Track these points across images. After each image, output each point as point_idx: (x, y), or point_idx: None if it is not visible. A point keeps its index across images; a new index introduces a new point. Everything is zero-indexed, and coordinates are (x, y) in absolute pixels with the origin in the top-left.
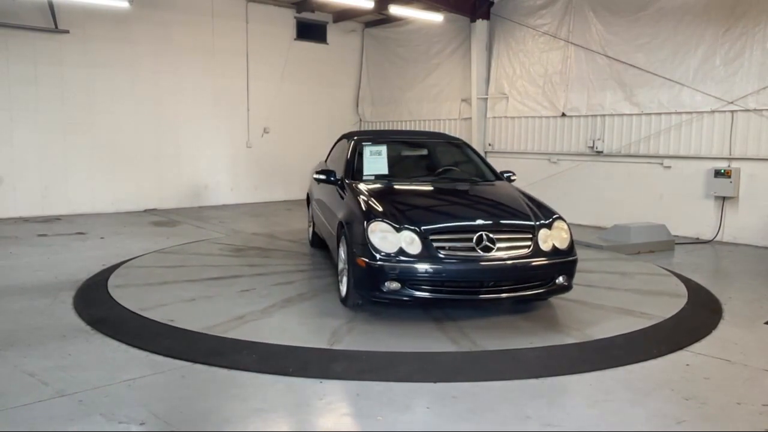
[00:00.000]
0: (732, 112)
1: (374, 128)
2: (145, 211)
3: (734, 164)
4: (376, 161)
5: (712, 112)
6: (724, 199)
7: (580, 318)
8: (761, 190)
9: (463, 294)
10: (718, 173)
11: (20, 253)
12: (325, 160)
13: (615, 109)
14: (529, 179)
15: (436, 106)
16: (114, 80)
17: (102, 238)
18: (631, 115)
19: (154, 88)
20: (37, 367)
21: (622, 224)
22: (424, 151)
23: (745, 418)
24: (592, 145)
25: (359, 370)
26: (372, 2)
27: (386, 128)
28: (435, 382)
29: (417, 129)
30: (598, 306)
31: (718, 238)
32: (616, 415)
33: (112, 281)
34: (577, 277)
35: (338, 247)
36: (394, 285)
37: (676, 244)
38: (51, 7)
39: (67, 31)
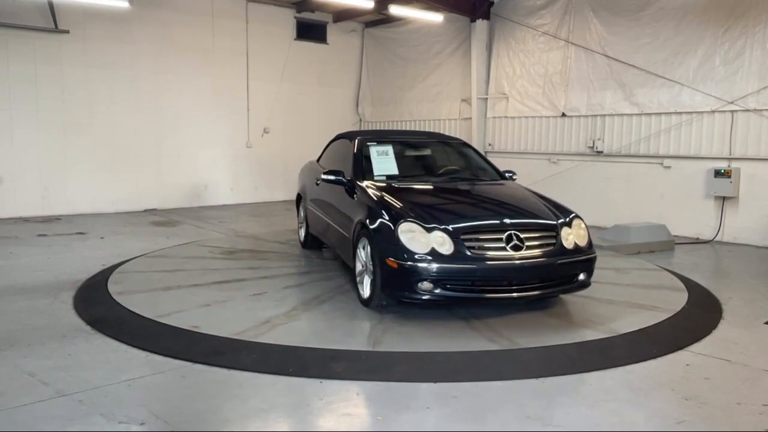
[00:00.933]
0: (732, 112)
1: (374, 128)
2: (145, 211)
3: (734, 164)
4: (384, 161)
5: (712, 112)
6: (724, 199)
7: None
8: (761, 190)
9: (493, 292)
10: (718, 173)
11: (20, 253)
12: (317, 160)
13: (615, 109)
14: (530, 179)
15: (436, 106)
16: (114, 80)
17: (102, 238)
18: (631, 115)
19: (154, 88)
20: (37, 367)
21: (622, 224)
22: (428, 151)
23: (745, 418)
24: (592, 145)
25: (360, 370)
26: (372, 2)
27: (386, 128)
28: (435, 382)
29: (417, 129)
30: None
31: (718, 238)
32: (616, 415)
33: (115, 287)
34: None
35: (355, 248)
36: (427, 285)
37: (676, 244)
38: (51, 7)
39: (67, 31)
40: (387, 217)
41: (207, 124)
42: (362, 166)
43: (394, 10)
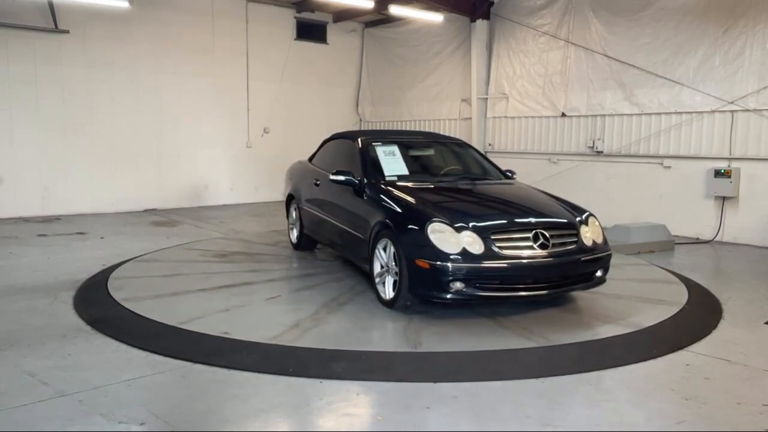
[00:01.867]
0: (732, 112)
1: (373, 128)
2: (145, 211)
3: (734, 164)
4: (392, 161)
5: (712, 112)
6: (724, 199)
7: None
8: (761, 190)
9: (522, 290)
10: (718, 173)
11: (20, 253)
12: (310, 160)
13: (615, 109)
14: (530, 179)
15: (436, 106)
16: (114, 80)
17: (102, 238)
18: (631, 115)
19: (154, 87)
20: (37, 367)
21: (622, 224)
22: (431, 151)
23: (745, 418)
24: (592, 145)
25: (360, 370)
26: (372, 2)
27: (385, 129)
28: (435, 382)
29: (417, 129)
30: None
31: (718, 238)
32: (616, 415)
33: (120, 293)
34: None
35: (373, 249)
36: (459, 285)
37: (676, 244)
38: (51, 7)
39: (67, 31)
40: (414, 218)
41: (207, 124)
42: (372, 167)
43: (394, 10)
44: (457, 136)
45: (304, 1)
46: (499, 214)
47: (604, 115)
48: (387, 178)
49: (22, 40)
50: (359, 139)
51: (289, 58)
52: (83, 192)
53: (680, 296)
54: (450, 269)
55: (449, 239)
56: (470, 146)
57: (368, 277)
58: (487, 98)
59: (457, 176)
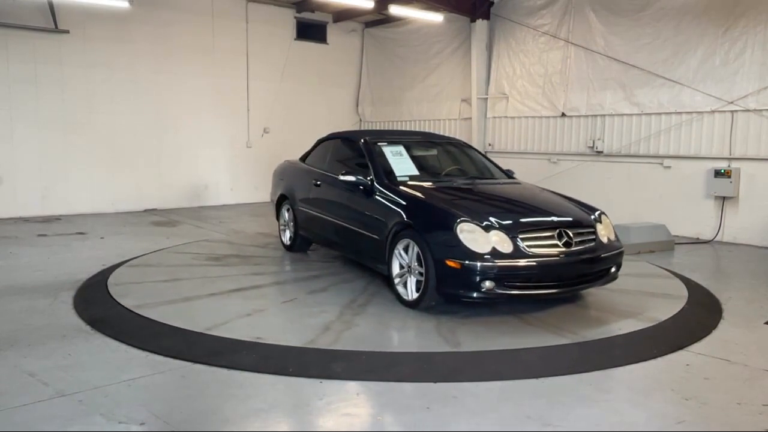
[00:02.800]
0: (732, 112)
1: (370, 129)
2: (145, 211)
3: (734, 164)
4: (400, 162)
5: (712, 112)
6: (724, 199)
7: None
8: (761, 190)
9: (548, 288)
10: (718, 173)
11: (20, 253)
12: (303, 160)
13: (615, 109)
14: (530, 179)
15: (436, 106)
16: (114, 80)
17: (102, 238)
18: (631, 115)
19: (154, 88)
20: (37, 367)
21: (622, 224)
22: (434, 151)
23: (745, 418)
24: (592, 145)
25: (360, 370)
26: (372, 2)
27: (383, 129)
28: (435, 381)
29: (417, 129)
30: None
31: (718, 238)
32: (616, 415)
33: (130, 299)
34: None
35: (392, 249)
36: (489, 284)
37: (676, 244)
38: (51, 7)
39: (67, 31)
40: (441, 218)
41: (207, 124)
42: (383, 167)
43: (394, 10)
44: (458, 136)
45: (304, 1)
46: (522, 213)
47: (604, 115)
48: (398, 179)
49: (22, 40)
50: (364, 140)
51: (289, 58)
52: (83, 192)
53: (680, 296)
54: (482, 269)
55: (479, 239)
56: (470, 146)
57: (380, 278)
58: (487, 98)
59: (465, 176)
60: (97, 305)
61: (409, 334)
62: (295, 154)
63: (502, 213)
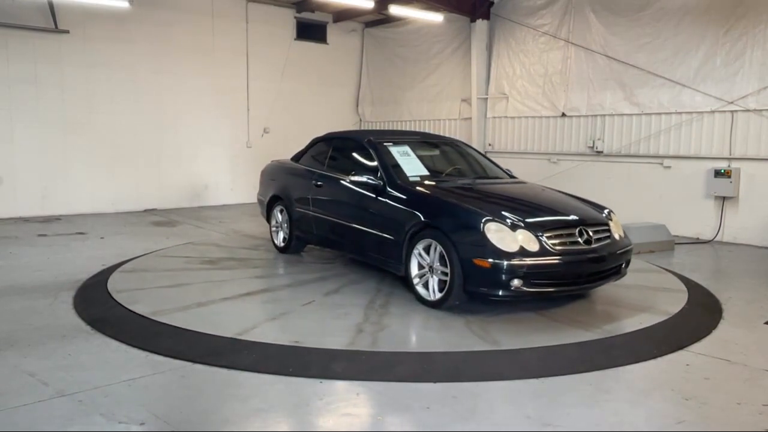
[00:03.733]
0: (732, 112)
1: (369, 129)
2: (145, 211)
3: (734, 164)
4: (408, 162)
5: (713, 112)
6: (724, 199)
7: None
8: (761, 190)
9: (570, 285)
10: (718, 173)
11: (20, 253)
12: (296, 160)
13: (615, 109)
14: (530, 179)
15: (436, 106)
16: (114, 80)
17: (102, 238)
18: (631, 115)
19: (154, 88)
20: (37, 367)
21: (622, 224)
22: (437, 151)
23: (745, 418)
24: (592, 145)
25: (360, 370)
26: (372, 2)
27: (383, 129)
28: (435, 382)
29: (417, 129)
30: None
31: (718, 238)
32: (616, 415)
33: (144, 307)
34: None
35: (410, 250)
36: (518, 282)
37: (676, 244)
38: (51, 7)
39: (67, 31)
40: (467, 218)
41: (207, 124)
42: (394, 168)
43: (394, 10)
44: (458, 136)
45: (304, 1)
46: (542, 212)
47: (604, 115)
48: (410, 179)
49: (22, 40)
50: (369, 140)
51: (289, 58)
52: (83, 192)
53: (680, 296)
54: (512, 267)
55: (506, 238)
56: (467, 145)
57: (389, 278)
58: (487, 98)
59: (471, 176)
60: (97, 305)
61: (443, 334)
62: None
63: (524, 212)
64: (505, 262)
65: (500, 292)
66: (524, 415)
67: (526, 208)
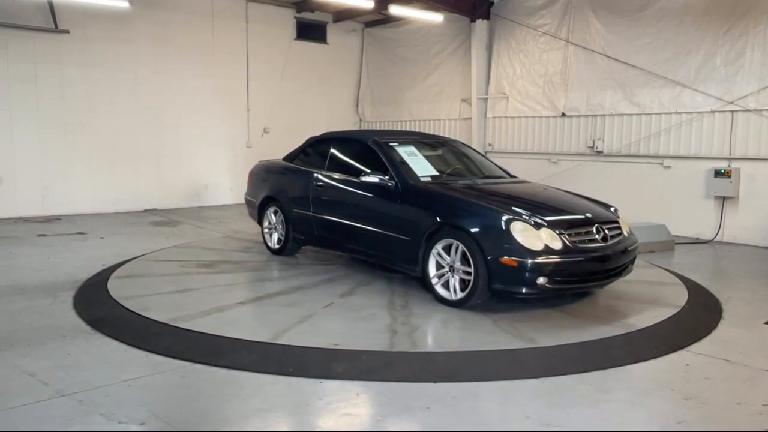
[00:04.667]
0: (732, 112)
1: (365, 129)
2: (145, 211)
3: (734, 164)
4: (417, 162)
5: (713, 112)
6: (724, 199)
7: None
8: (761, 190)
9: (589, 282)
10: (718, 173)
11: (20, 253)
12: (290, 160)
13: (615, 109)
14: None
15: (436, 106)
16: (114, 80)
17: (102, 238)
18: (631, 115)
19: (154, 87)
20: (37, 367)
21: None
22: (440, 152)
23: (745, 418)
24: (592, 145)
25: (360, 370)
26: (372, 2)
27: (383, 129)
28: (435, 382)
29: (417, 129)
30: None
31: (718, 238)
32: (616, 415)
33: (162, 314)
34: None
35: (428, 250)
36: (542, 280)
37: (676, 244)
38: (51, 7)
39: (67, 31)
40: (492, 218)
41: (207, 124)
42: (404, 168)
43: (394, 10)
44: (458, 136)
45: (304, 1)
46: (559, 211)
47: (604, 115)
48: (422, 179)
49: (22, 40)
50: (375, 140)
51: (289, 58)
52: (83, 192)
53: (680, 296)
54: (538, 265)
55: (532, 237)
56: (465, 144)
57: (398, 278)
58: (487, 98)
59: (477, 176)
60: (97, 305)
61: (475, 333)
62: None
63: (543, 211)
64: (532, 261)
65: (525, 290)
66: (524, 415)
67: (542, 207)
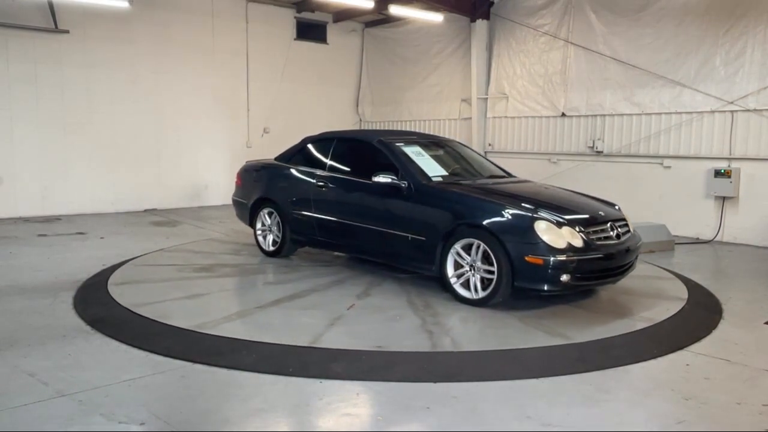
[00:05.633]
0: (732, 112)
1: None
2: (145, 211)
3: (734, 164)
4: (425, 162)
5: (713, 112)
6: (724, 199)
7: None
8: (761, 190)
9: (605, 278)
10: (718, 173)
11: (20, 253)
12: (285, 160)
13: (615, 109)
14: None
15: (436, 106)
16: (114, 80)
17: (102, 238)
18: (631, 115)
19: (154, 87)
20: (37, 367)
21: None
22: (442, 152)
23: (745, 418)
24: (592, 145)
25: (360, 370)
26: (372, 2)
27: (378, 129)
28: (435, 382)
29: (417, 129)
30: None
31: (718, 238)
32: (616, 415)
33: (178, 319)
34: None
35: (446, 250)
36: (566, 277)
37: (676, 244)
38: (51, 7)
39: (67, 31)
40: (515, 217)
41: (207, 124)
42: (416, 168)
43: (394, 10)
44: (458, 136)
45: (304, 1)
46: (575, 209)
47: (604, 115)
48: (433, 179)
49: (22, 40)
50: (380, 140)
51: (289, 58)
52: (83, 192)
53: (680, 296)
54: (562, 263)
55: (555, 235)
56: (463, 144)
57: (410, 278)
58: (487, 98)
59: (482, 175)
60: (97, 305)
61: (507, 331)
62: None
63: (561, 210)
64: (557, 258)
65: (548, 287)
66: (524, 415)
67: (559, 206)
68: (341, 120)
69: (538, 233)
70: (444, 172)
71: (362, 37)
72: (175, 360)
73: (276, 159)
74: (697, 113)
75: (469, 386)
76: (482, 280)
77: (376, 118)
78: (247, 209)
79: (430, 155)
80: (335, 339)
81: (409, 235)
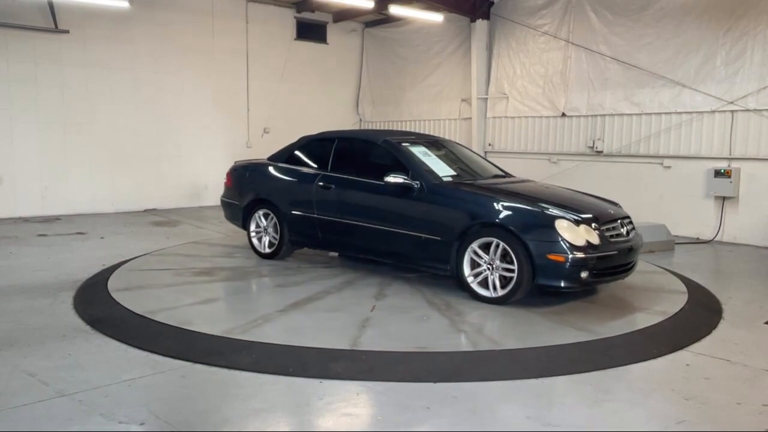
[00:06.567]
0: (732, 112)
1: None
2: (145, 211)
3: (734, 164)
4: (433, 162)
5: (713, 112)
6: (724, 199)
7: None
8: (761, 190)
9: (617, 274)
10: (718, 173)
11: (20, 253)
12: (281, 160)
13: (615, 109)
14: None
15: (436, 106)
16: (114, 80)
17: (102, 238)
18: (631, 115)
19: (154, 88)
20: (37, 367)
21: None
22: (443, 151)
23: (745, 418)
24: (592, 145)
25: (360, 370)
26: (372, 2)
27: (377, 129)
28: (435, 382)
29: (417, 129)
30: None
31: (718, 238)
32: (616, 415)
33: (212, 326)
34: None
35: (463, 250)
36: (585, 274)
37: (676, 244)
38: (51, 7)
39: (67, 31)
40: (536, 216)
41: (207, 124)
42: (426, 168)
43: (394, 10)
44: (458, 136)
45: (304, 1)
46: (588, 208)
47: (604, 115)
48: (444, 179)
49: (22, 40)
50: (386, 140)
51: (289, 58)
52: (83, 192)
53: (680, 296)
54: (583, 260)
55: (575, 233)
56: (462, 144)
57: (417, 278)
58: (487, 98)
59: (485, 175)
60: (97, 305)
61: (537, 328)
62: None
63: (575, 208)
64: (577, 256)
65: (567, 284)
66: (524, 415)
67: (571, 205)
68: (341, 120)
69: (560, 231)
70: (452, 172)
71: (362, 37)
72: (175, 360)
73: (269, 159)
74: (697, 113)
75: (469, 386)
76: (500, 278)
77: (376, 118)
78: (240, 210)
79: (435, 155)
80: (374, 341)
81: (423, 235)
